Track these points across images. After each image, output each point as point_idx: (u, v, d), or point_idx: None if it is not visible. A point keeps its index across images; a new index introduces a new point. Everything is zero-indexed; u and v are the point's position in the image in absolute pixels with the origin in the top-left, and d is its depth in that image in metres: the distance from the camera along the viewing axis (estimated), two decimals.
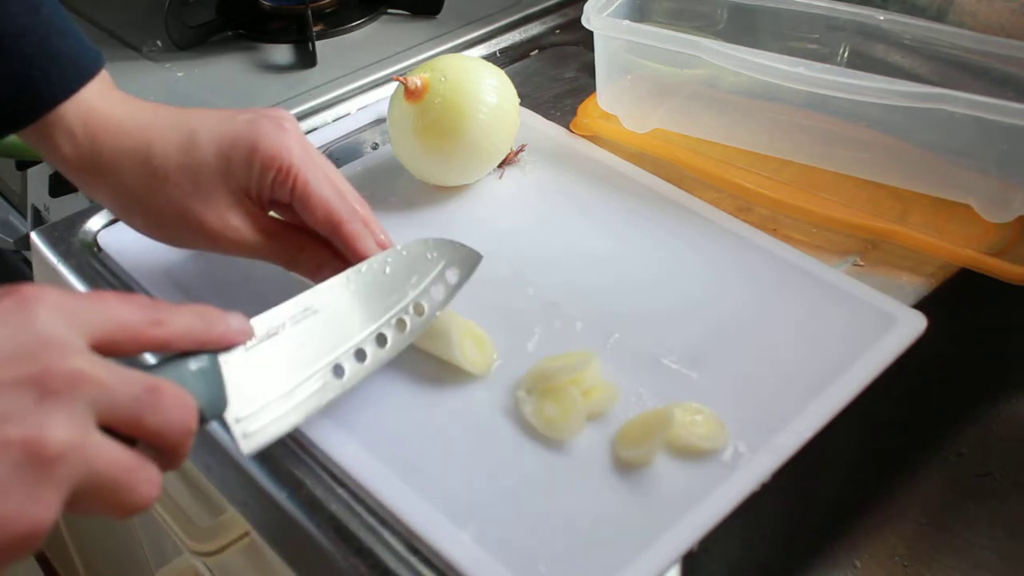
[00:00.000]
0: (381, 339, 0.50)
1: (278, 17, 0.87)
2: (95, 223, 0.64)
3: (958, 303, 0.61)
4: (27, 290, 0.36)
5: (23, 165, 0.78)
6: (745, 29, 0.71)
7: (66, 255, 0.62)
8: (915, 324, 0.54)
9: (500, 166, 0.67)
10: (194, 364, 0.42)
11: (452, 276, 0.53)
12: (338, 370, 0.48)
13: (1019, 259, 0.59)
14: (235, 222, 0.52)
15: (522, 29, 0.85)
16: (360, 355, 0.49)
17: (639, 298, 0.57)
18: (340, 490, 0.48)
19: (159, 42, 0.84)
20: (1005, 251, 0.59)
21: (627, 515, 0.46)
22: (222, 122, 0.52)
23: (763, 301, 0.57)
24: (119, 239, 0.62)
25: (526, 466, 0.48)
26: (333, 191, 0.52)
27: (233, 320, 0.44)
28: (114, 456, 0.36)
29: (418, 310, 0.51)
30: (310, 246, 0.53)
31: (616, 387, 0.51)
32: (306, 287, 0.56)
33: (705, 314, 0.56)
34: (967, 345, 0.67)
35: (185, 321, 0.41)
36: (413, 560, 0.45)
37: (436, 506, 0.46)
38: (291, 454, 0.49)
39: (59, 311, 0.36)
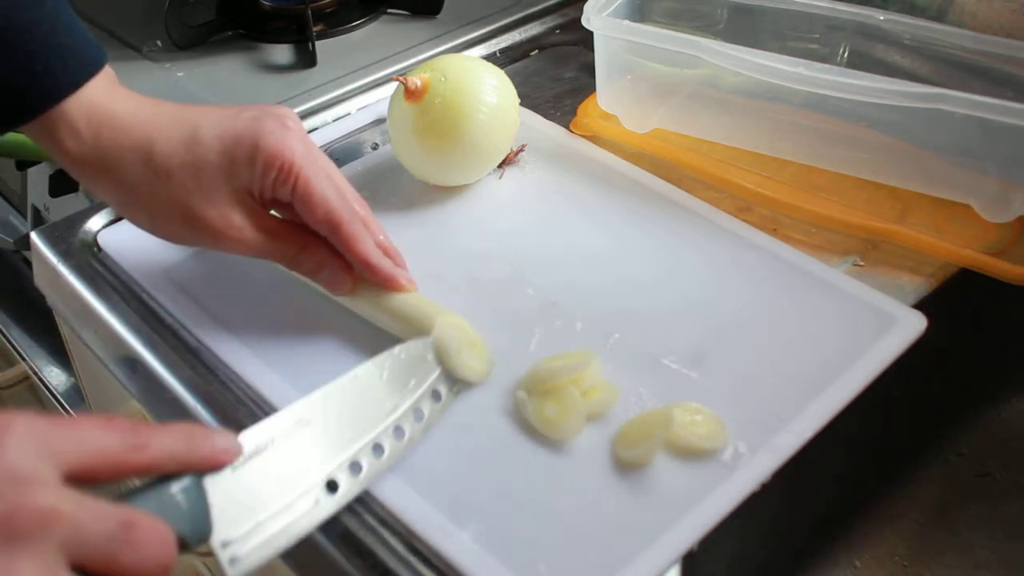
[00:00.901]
0: (378, 449, 0.47)
1: (278, 17, 0.87)
2: (95, 223, 0.64)
3: (958, 303, 0.61)
4: None
5: (23, 165, 0.78)
6: (745, 29, 0.71)
7: (66, 255, 0.62)
8: (915, 324, 0.54)
9: (500, 166, 0.67)
10: (176, 488, 0.39)
11: (458, 377, 0.51)
12: (332, 485, 0.45)
13: (1019, 259, 0.59)
14: (237, 220, 0.52)
15: (522, 29, 0.85)
16: (355, 468, 0.46)
17: (639, 298, 0.57)
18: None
19: (159, 42, 0.84)
20: (1005, 251, 0.59)
21: (627, 515, 0.46)
22: (225, 119, 0.52)
23: (763, 301, 0.57)
24: (119, 239, 0.62)
25: (526, 466, 0.48)
26: (334, 191, 0.52)
27: (219, 439, 0.41)
28: None
29: (418, 415, 0.49)
30: (311, 245, 0.53)
31: (616, 387, 0.51)
32: (305, 286, 0.57)
33: (705, 314, 0.56)
34: (967, 345, 0.67)
35: (168, 444, 0.39)
36: (413, 560, 0.45)
37: (436, 506, 0.46)
38: None
39: (30, 441, 0.34)
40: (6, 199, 0.91)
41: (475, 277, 0.59)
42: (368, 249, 0.52)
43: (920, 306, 0.56)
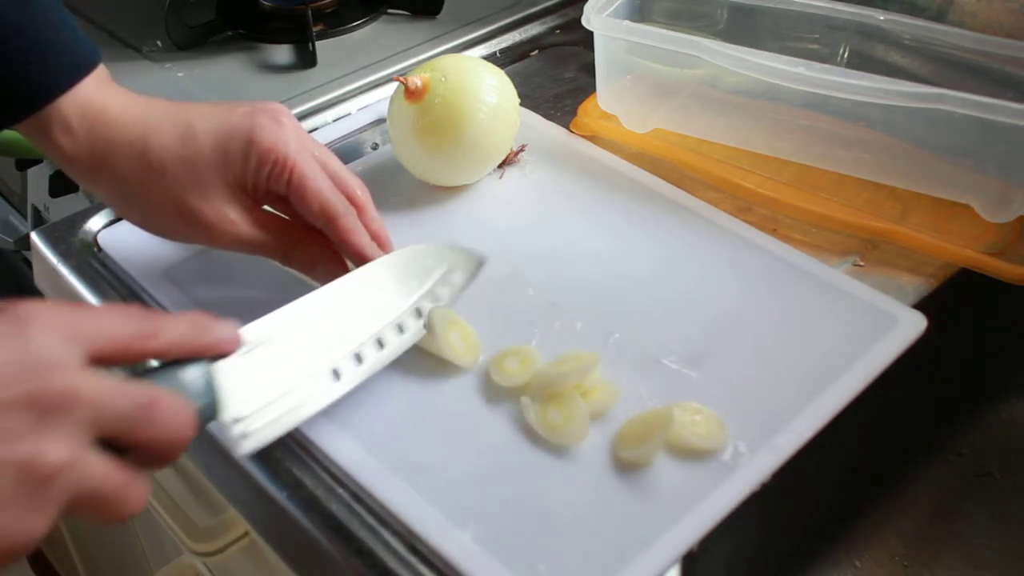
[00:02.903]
0: (380, 343, 0.49)
1: (278, 17, 0.87)
2: (95, 223, 0.64)
3: (958, 303, 0.61)
4: (21, 308, 0.37)
5: (23, 165, 0.78)
6: (745, 29, 0.71)
7: (66, 255, 0.62)
8: (915, 324, 0.54)
9: (500, 166, 0.67)
10: (188, 370, 0.42)
11: (456, 278, 0.53)
12: (336, 373, 0.48)
13: (1019, 259, 0.59)
14: (232, 215, 0.52)
15: (522, 29, 0.85)
16: (358, 358, 0.48)
17: (639, 298, 0.57)
18: (340, 490, 0.48)
19: (159, 42, 0.84)
20: (1005, 251, 0.59)
21: (627, 515, 0.46)
22: (219, 115, 0.52)
23: (763, 301, 0.56)
24: (119, 239, 0.62)
25: (526, 467, 0.48)
26: (328, 185, 0.52)
27: (223, 329, 0.44)
28: (106, 473, 0.37)
29: (418, 314, 0.51)
30: (305, 241, 0.54)
31: (616, 387, 0.51)
32: (304, 285, 0.57)
33: (705, 314, 0.56)
34: (967, 345, 0.67)
35: (178, 331, 0.42)
36: (413, 560, 0.45)
37: (436, 506, 0.46)
38: (291, 454, 0.49)
39: (54, 328, 0.37)
40: (6, 199, 0.91)
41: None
42: (363, 242, 0.53)
43: (920, 306, 0.56)
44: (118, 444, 0.38)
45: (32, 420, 0.35)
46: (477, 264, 0.55)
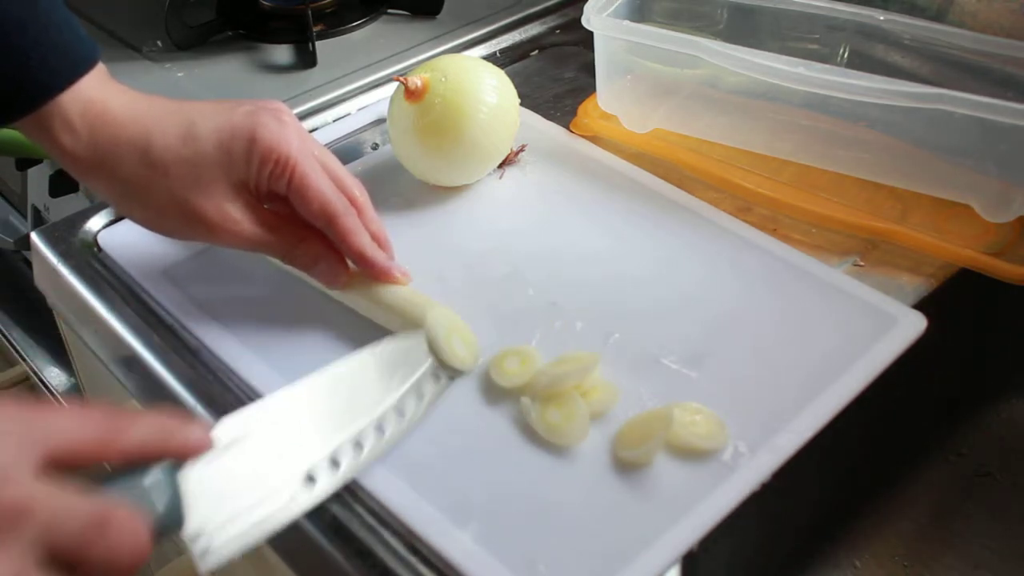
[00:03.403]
0: (358, 446, 0.46)
1: (278, 17, 0.87)
2: (95, 223, 0.64)
3: (958, 303, 0.61)
4: None
5: (23, 165, 0.78)
6: (745, 29, 0.71)
7: (66, 255, 0.62)
8: (915, 324, 0.54)
9: (500, 166, 0.67)
10: (150, 476, 0.39)
11: (447, 367, 0.51)
12: (310, 480, 0.44)
13: (1019, 259, 0.59)
14: (234, 214, 0.52)
15: (522, 29, 0.85)
16: (335, 463, 0.45)
17: (639, 298, 0.57)
18: (340, 490, 0.48)
19: (159, 42, 0.84)
20: (1005, 251, 0.59)
21: (627, 515, 0.46)
22: (221, 113, 0.52)
23: (763, 301, 0.57)
24: (119, 239, 0.62)
25: (526, 466, 0.48)
26: (329, 184, 0.52)
27: (192, 432, 0.41)
28: None
29: (401, 413, 0.49)
30: (307, 239, 0.54)
31: (616, 387, 0.51)
32: (302, 283, 0.57)
33: (705, 314, 0.56)
34: (967, 345, 0.67)
35: (141, 435, 0.39)
36: (413, 560, 0.45)
37: (436, 506, 0.46)
38: None
39: (7, 431, 0.35)
40: (6, 199, 0.92)
41: (475, 277, 0.59)
42: (363, 242, 0.53)
43: (920, 306, 0.56)
44: (66, 561, 0.35)
45: None
46: (474, 358, 0.53)
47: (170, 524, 0.39)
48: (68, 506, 0.35)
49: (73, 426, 0.37)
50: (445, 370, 0.51)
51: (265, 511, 0.42)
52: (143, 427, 0.39)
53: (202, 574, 0.41)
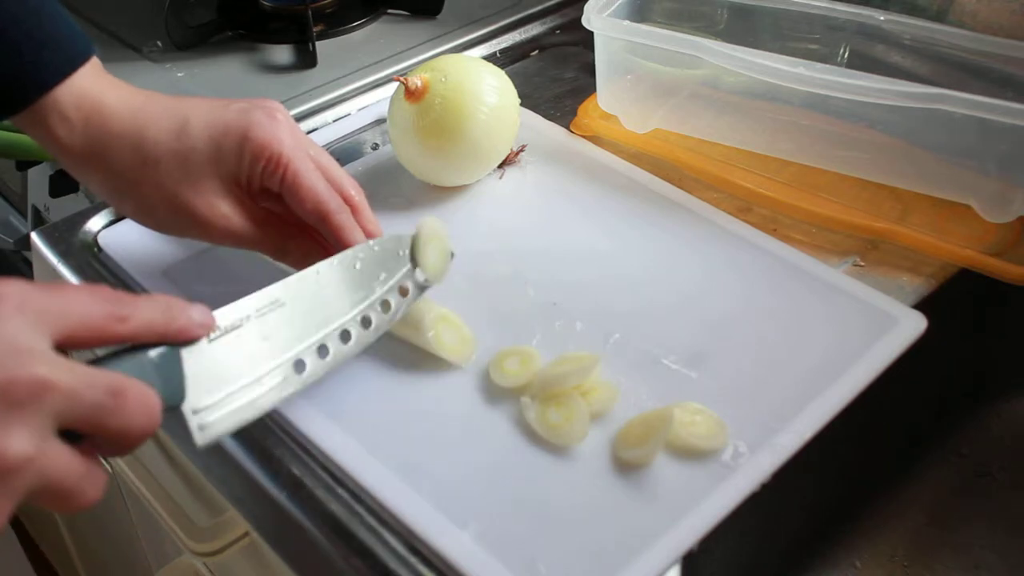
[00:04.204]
0: (345, 335, 0.49)
1: (278, 17, 0.87)
2: (95, 223, 0.64)
3: (958, 303, 0.61)
4: None
5: (23, 165, 0.78)
6: (745, 29, 0.71)
7: (66, 255, 0.62)
8: (915, 324, 0.54)
9: (500, 166, 0.67)
10: (154, 354, 0.41)
11: (421, 274, 0.52)
12: (299, 365, 0.47)
13: (1019, 259, 0.59)
14: (225, 210, 0.52)
15: (522, 29, 0.85)
16: (323, 351, 0.48)
17: (639, 298, 0.57)
18: (340, 490, 0.48)
19: (159, 42, 0.84)
20: (1005, 251, 0.59)
21: (627, 515, 0.46)
22: (214, 110, 0.52)
23: (763, 301, 0.57)
24: (119, 239, 0.62)
25: (526, 467, 0.48)
26: (322, 182, 0.52)
27: (195, 312, 0.43)
28: (67, 464, 0.37)
29: (385, 307, 0.51)
30: (298, 236, 0.54)
31: (616, 387, 0.51)
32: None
33: (705, 314, 0.56)
34: (967, 345, 0.67)
35: (148, 315, 0.41)
36: (413, 560, 0.45)
37: (436, 506, 0.46)
38: (291, 454, 0.49)
39: (23, 312, 0.36)
40: (6, 199, 0.91)
41: (475, 277, 0.59)
42: (357, 239, 0.53)
43: (920, 306, 0.56)
44: (79, 431, 0.37)
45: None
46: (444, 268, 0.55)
47: (172, 399, 0.42)
48: (86, 379, 0.37)
49: (85, 306, 0.38)
50: (421, 273, 0.53)
51: (258, 391, 0.45)
52: (150, 308, 0.41)
53: (199, 447, 0.43)
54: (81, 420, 0.37)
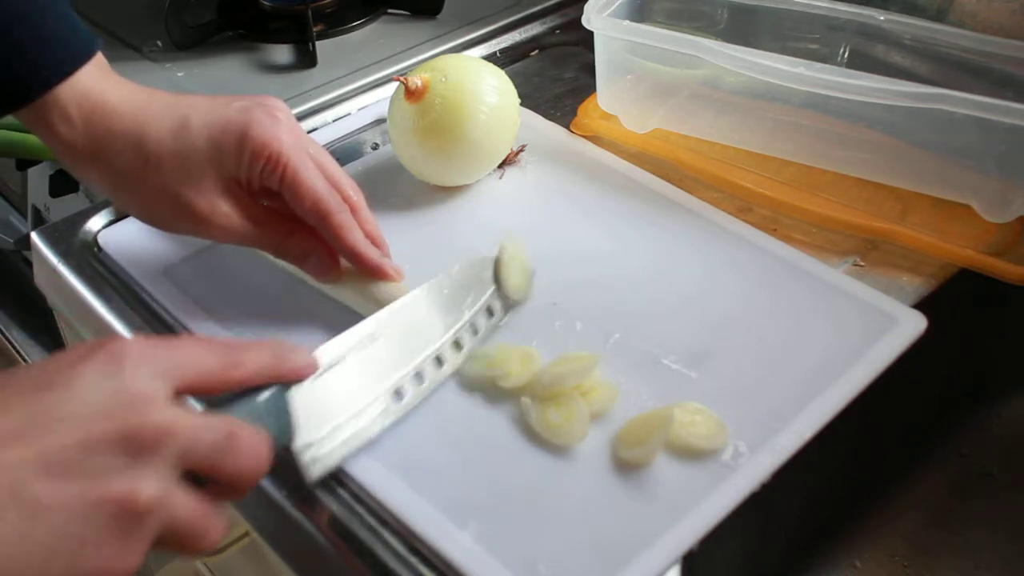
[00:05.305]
0: (439, 360, 0.51)
1: (278, 17, 0.87)
2: (95, 223, 0.64)
3: (958, 303, 0.61)
4: (113, 346, 0.38)
5: (23, 165, 0.78)
6: (745, 29, 0.71)
7: (66, 255, 0.62)
8: (915, 324, 0.54)
9: (500, 166, 0.67)
10: (264, 397, 0.43)
11: (505, 294, 0.55)
12: (399, 393, 0.49)
13: (1019, 259, 0.59)
14: (224, 208, 0.52)
15: (522, 29, 0.85)
16: (419, 377, 0.50)
17: (639, 298, 0.57)
18: (340, 490, 0.48)
19: (159, 42, 0.84)
20: (1005, 251, 0.59)
21: (627, 515, 0.46)
22: (214, 109, 0.52)
23: (763, 301, 0.56)
24: (119, 239, 0.62)
25: (526, 466, 0.48)
26: (322, 181, 0.53)
27: (301, 356, 0.45)
28: (192, 506, 0.38)
29: (473, 329, 0.53)
30: (297, 233, 0.54)
31: (616, 387, 0.51)
32: (300, 283, 0.57)
33: (705, 314, 0.56)
34: (967, 345, 0.67)
35: (258, 361, 0.43)
36: (413, 560, 0.45)
37: (436, 506, 0.46)
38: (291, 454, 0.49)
39: (144, 364, 0.38)
40: (6, 199, 0.91)
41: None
42: (356, 239, 0.53)
43: (920, 306, 0.56)
44: (198, 477, 0.39)
45: (127, 457, 0.36)
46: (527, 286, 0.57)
47: (282, 439, 0.44)
48: (202, 426, 0.38)
49: (200, 356, 0.40)
50: (508, 299, 0.55)
51: (362, 422, 0.47)
52: (258, 355, 0.43)
53: (311, 480, 0.46)
54: (199, 464, 0.38)
